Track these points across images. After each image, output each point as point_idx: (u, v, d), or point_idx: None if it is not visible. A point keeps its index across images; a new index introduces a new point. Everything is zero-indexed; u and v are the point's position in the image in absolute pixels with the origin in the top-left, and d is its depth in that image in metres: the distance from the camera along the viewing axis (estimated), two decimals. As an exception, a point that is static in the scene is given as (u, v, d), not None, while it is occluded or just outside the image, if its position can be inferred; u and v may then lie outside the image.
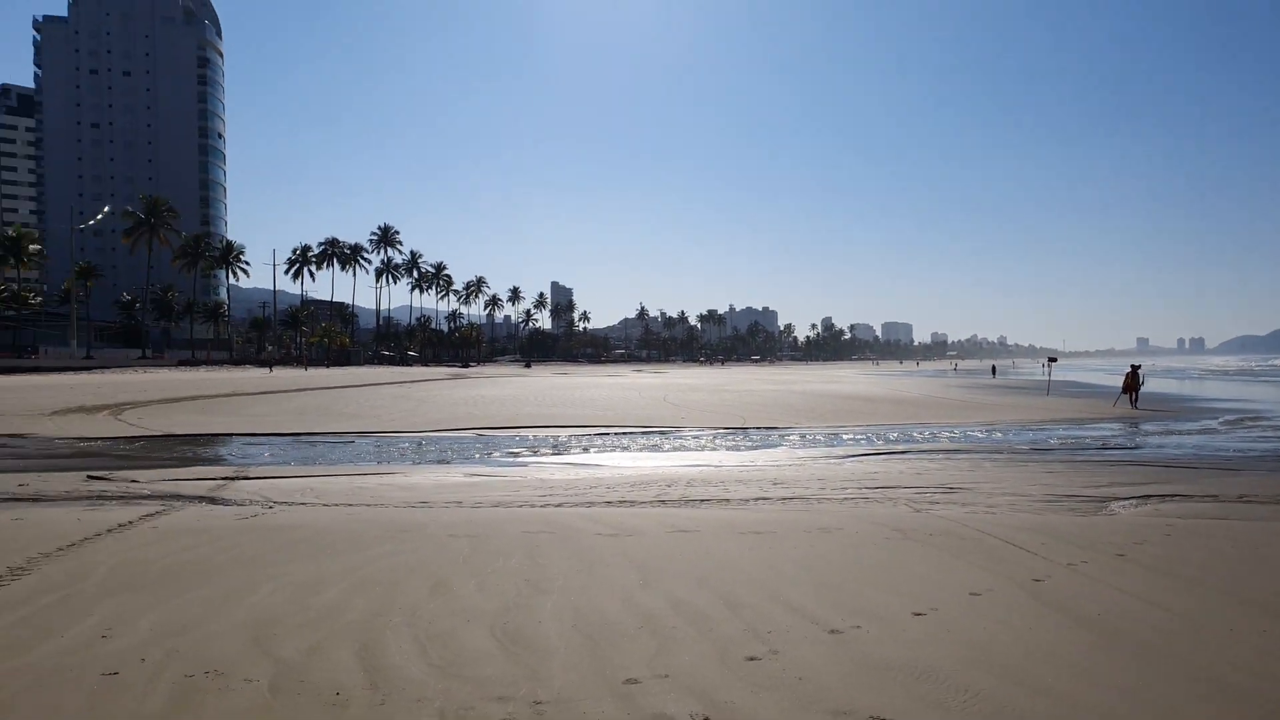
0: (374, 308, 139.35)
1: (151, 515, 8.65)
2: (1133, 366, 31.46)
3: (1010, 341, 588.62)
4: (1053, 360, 48.67)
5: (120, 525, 8.02)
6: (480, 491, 10.76)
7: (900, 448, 17.14)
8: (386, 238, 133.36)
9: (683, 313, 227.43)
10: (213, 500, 9.94)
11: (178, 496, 10.13)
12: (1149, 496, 10.38)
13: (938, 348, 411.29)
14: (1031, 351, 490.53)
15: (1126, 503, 9.97)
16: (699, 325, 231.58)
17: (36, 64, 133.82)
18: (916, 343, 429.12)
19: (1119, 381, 53.98)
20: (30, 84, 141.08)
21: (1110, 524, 8.54)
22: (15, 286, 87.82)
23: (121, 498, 10.02)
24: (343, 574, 6.25)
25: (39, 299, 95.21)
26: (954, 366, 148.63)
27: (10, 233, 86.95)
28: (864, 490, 10.89)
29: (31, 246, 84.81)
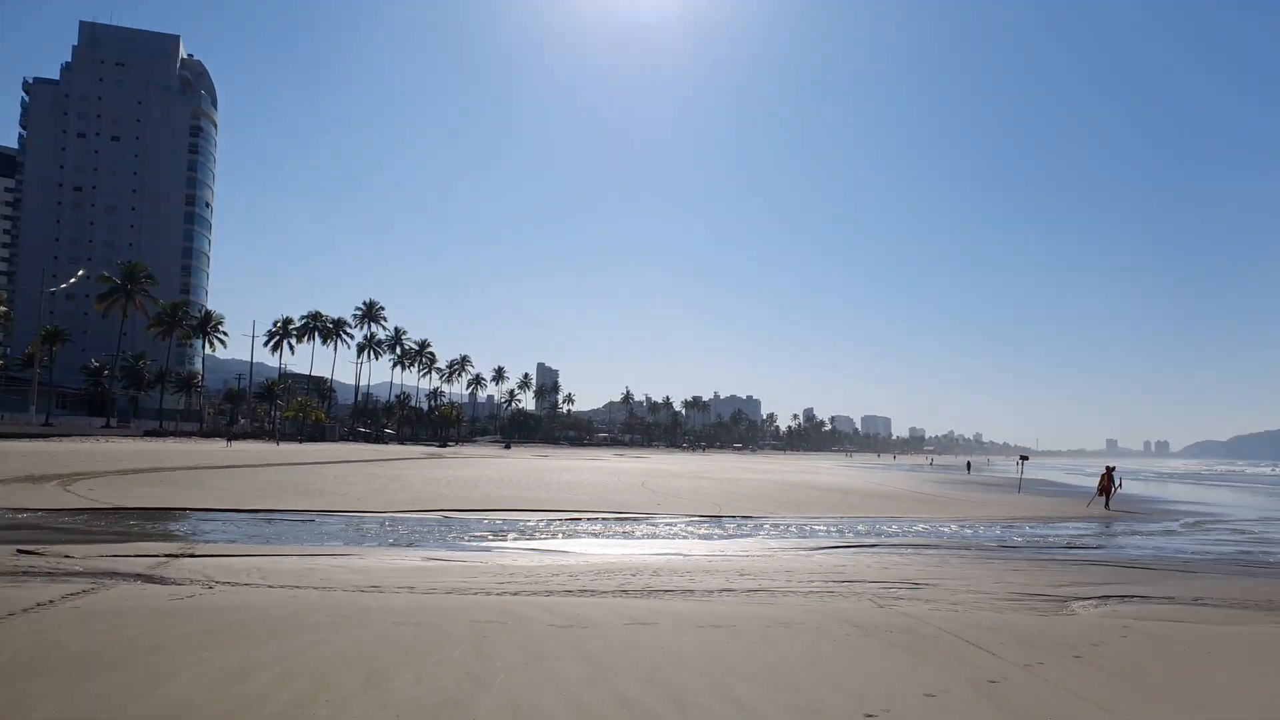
0: (353, 383, 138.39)
1: (77, 594, 8.25)
2: (1108, 468, 31.54)
3: (985, 439, 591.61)
4: (1024, 459, 49.12)
5: (39, 604, 7.61)
6: (435, 577, 10.49)
7: (870, 541, 17.01)
8: (371, 313, 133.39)
9: (667, 398, 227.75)
10: (149, 579, 9.56)
11: (112, 574, 9.72)
12: (1109, 597, 10.29)
13: (915, 442, 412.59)
14: (1006, 449, 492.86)
15: (1087, 603, 9.86)
16: (683, 411, 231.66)
17: (22, 124, 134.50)
18: (895, 436, 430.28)
19: (1089, 481, 54.48)
20: (14, 144, 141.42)
21: (1069, 624, 8.41)
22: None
23: (49, 574, 9.56)
24: (273, 661, 5.99)
25: (1, 361, 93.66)
26: (929, 461, 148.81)
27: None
28: (830, 584, 10.73)
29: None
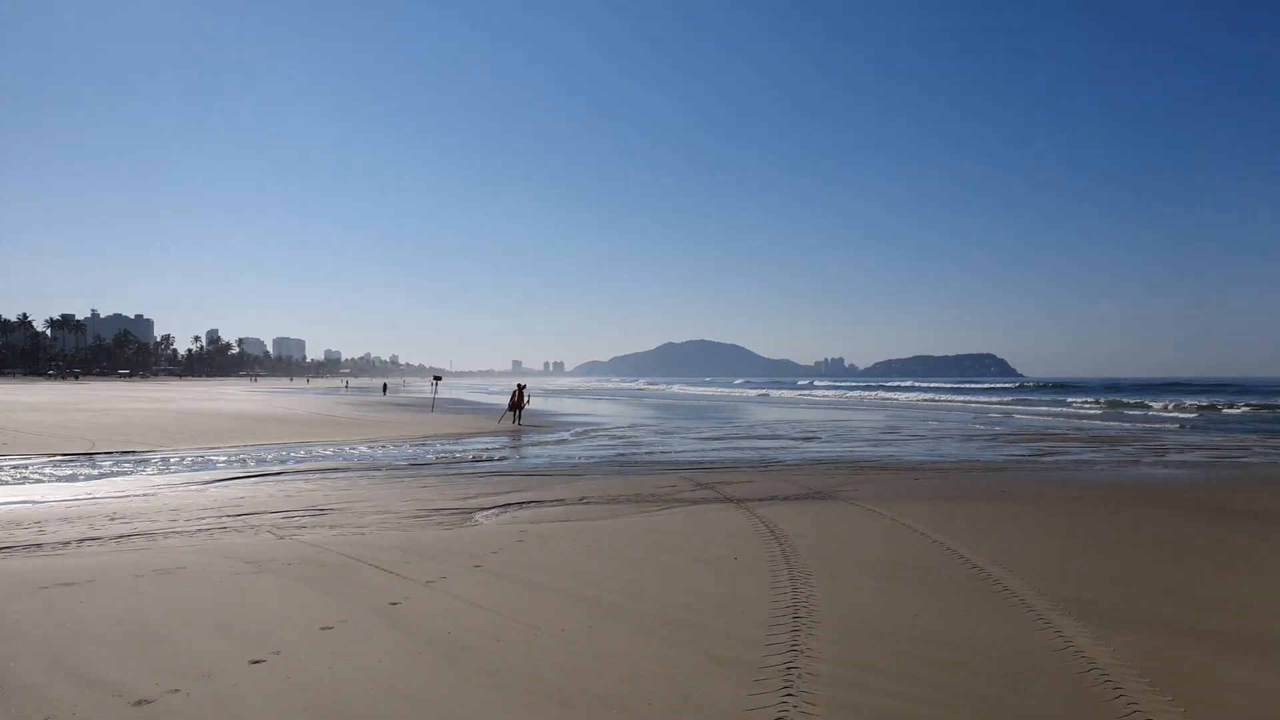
0: None
1: None
2: (519, 386, 34.28)
3: (402, 360, 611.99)
4: (438, 379, 51.35)
5: None
6: None
7: (275, 469, 15.95)
8: None
9: (25, 315, 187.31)
10: None
11: None
12: (509, 505, 11.03)
13: (331, 365, 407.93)
14: (422, 370, 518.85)
15: (490, 512, 10.42)
16: (49, 332, 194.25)
17: None
18: (309, 359, 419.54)
19: (500, 398, 59.52)
20: None
21: (472, 535, 8.73)
22: None
23: None
24: None
25: None
26: (345, 384, 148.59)
27: None
28: (223, 519, 9.64)
29: None
